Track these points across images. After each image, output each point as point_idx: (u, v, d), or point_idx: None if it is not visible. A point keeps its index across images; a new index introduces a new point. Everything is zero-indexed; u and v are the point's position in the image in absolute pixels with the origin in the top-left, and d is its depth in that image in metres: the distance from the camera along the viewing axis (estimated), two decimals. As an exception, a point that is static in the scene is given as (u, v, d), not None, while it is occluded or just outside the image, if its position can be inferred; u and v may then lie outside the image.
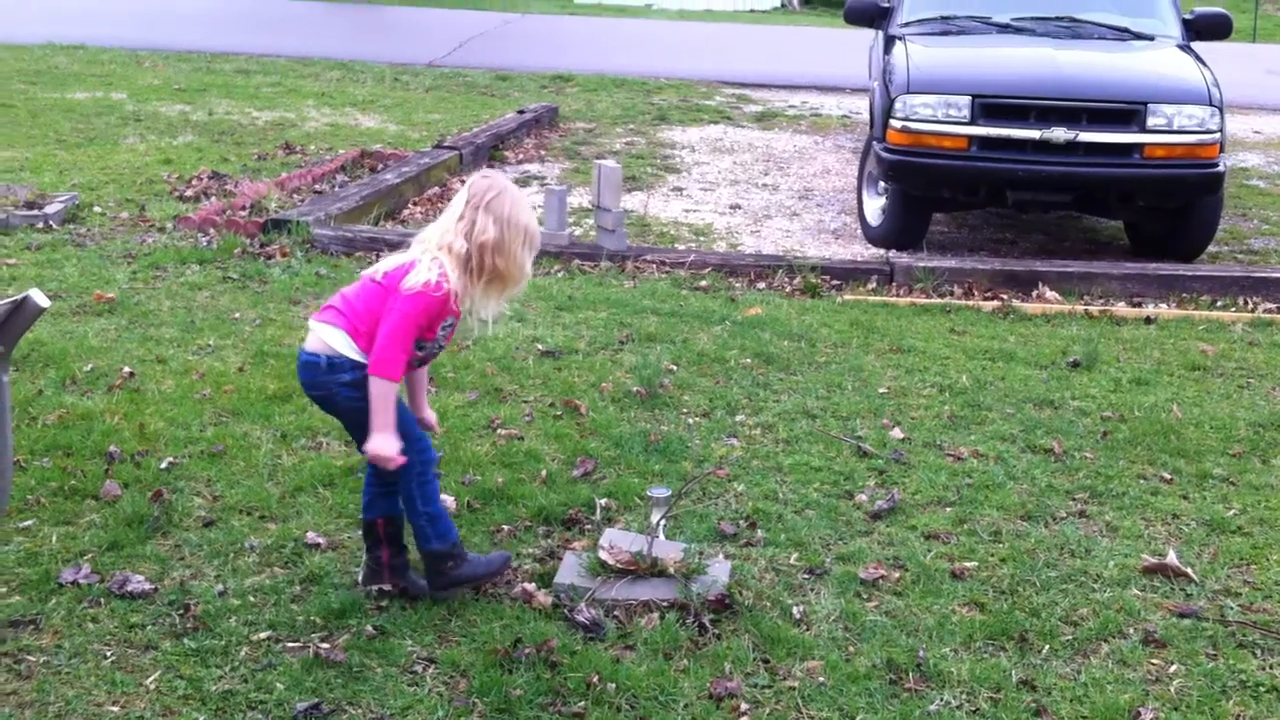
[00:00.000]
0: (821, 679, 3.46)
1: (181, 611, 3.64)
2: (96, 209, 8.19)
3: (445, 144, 10.44)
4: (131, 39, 16.37)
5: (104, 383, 5.24)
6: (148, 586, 3.74)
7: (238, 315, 6.19)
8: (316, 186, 9.02)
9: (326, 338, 3.57)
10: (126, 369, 5.36)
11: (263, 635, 3.55)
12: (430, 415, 3.95)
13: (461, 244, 3.56)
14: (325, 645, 3.50)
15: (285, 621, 3.62)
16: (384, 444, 3.50)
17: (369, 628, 3.59)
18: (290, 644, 3.52)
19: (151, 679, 3.35)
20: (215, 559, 3.95)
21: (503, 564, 3.88)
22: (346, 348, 3.55)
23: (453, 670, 3.44)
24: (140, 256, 7.10)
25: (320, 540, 4.07)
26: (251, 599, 3.73)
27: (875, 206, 8.48)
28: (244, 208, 8.05)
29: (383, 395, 3.50)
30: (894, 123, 7.82)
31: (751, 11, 27.29)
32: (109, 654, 3.45)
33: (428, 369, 3.98)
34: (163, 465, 4.52)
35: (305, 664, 3.42)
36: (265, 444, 4.74)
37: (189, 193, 8.71)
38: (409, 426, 3.64)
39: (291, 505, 4.31)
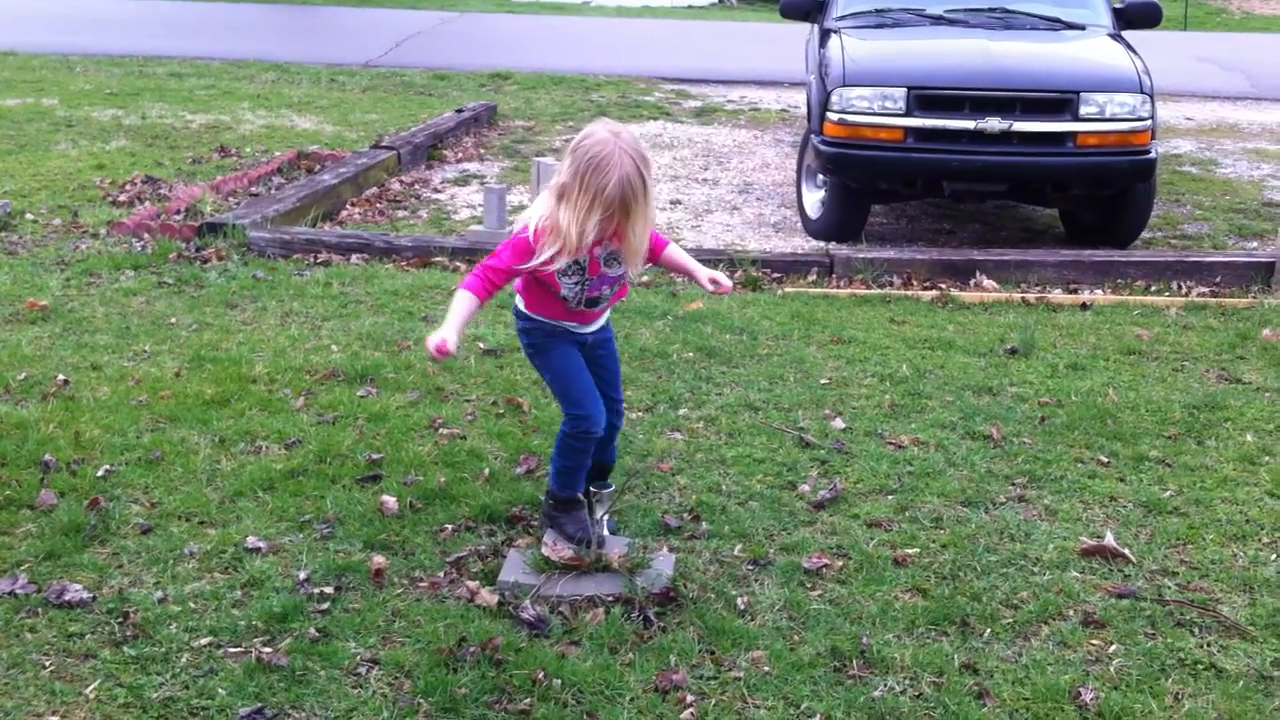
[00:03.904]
0: (767, 668, 3.48)
1: (121, 619, 3.60)
2: (29, 216, 8.07)
3: (383, 144, 10.38)
4: (62, 44, 16.14)
5: (38, 391, 5.17)
6: (86, 595, 3.70)
7: (174, 320, 6.13)
8: (252, 189, 8.94)
9: None
10: (61, 377, 5.29)
11: (204, 641, 3.52)
12: (704, 275, 3.93)
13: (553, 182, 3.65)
14: (267, 650, 3.47)
15: (226, 627, 3.59)
16: (431, 335, 3.60)
17: (311, 631, 3.57)
18: (232, 649, 3.49)
19: (91, 688, 3.31)
20: (154, 566, 3.91)
21: (582, 537, 3.91)
22: (519, 302, 3.88)
23: (397, 671, 3.42)
24: (74, 263, 7.01)
25: (261, 544, 4.03)
26: (191, 605, 3.69)
27: (814, 199, 8.52)
28: (179, 212, 7.97)
29: (454, 301, 3.69)
30: (831, 116, 7.86)
31: (689, 7, 27.33)
32: (48, 664, 3.41)
33: (678, 253, 3.98)
34: (99, 473, 4.46)
35: (247, 669, 3.39)
36: (203, 449, 4.70)
37: (122, 198, 8.60)
38: (580, 394, 3.85)
39: (231, 510, 4.27)
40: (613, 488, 4.05)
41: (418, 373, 5.52)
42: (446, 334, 3.58)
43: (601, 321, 3.96)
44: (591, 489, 3.98)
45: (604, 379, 3.99)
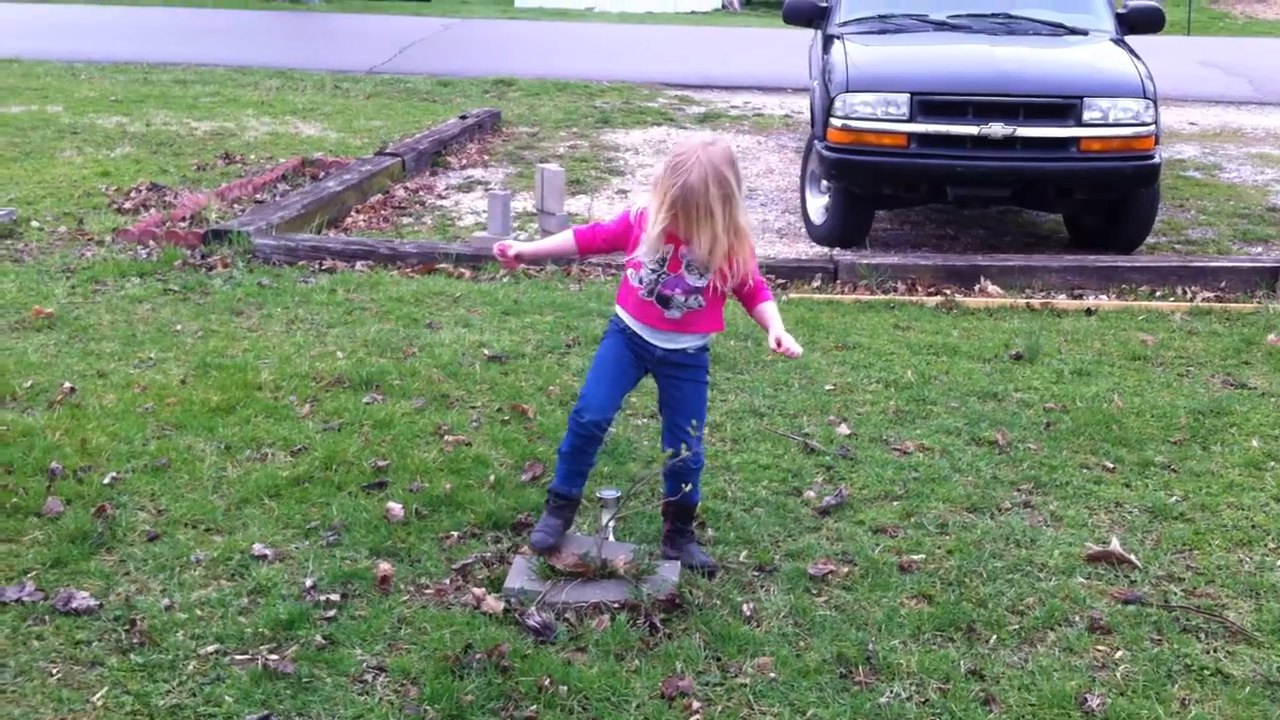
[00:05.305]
0: (772, 675, 3.48)
1: (127, 627, 3.60)
2: (34, 224, 8.09)
3: (387, 151, 10.40)
4: (67, 52, 16.18)
5: (44, 399, 5.18)
6: (93, 603, 3.70)
7: (179, 327, 6.14)
8: (257, 196, 8.96)
9: None
10: (67, 384, 5.29)
11: (210, 648, 3.52)
12: (773, 334, 3.83)
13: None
14: (274, 657, 3.47)
15: (233, 634, 3.59)
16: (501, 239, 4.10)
17: (318, 638, 3.57)
18: (238, 656, 3.49)
19: (98, 695, 3.31)
20: (161, 573, 3.91)
21: (538, 542, 3.93)
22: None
23: (403, 678, 3.43)
24: (79, 270, 7.02)
25: (267, 551, 4.03)
26: (198, 612, 3.70)
27: (818, 205, 8.53)
28: (184, 219, 7.98)
29: (555, 235, 4.17)
30: (834, 121, 7.87)
31: (692, 13, 27.37)
32: (55, 671, 3.41)
33: (770, 311, 3.90)
34: (105, 480, 4.46)
35: (254, 676, 3.39)
36: (209, 456, 4.70)
37: (128, 205, 8.62)
38: (592, 380, 3.92)
39: (237, 517, 4.28)
40: (618, 494, 4.05)
41: (423, 379, 5.52)
42: (519, 245, 4.03)
43: (678, 342, 3.87)
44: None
45: (673, 405, 3.96)
